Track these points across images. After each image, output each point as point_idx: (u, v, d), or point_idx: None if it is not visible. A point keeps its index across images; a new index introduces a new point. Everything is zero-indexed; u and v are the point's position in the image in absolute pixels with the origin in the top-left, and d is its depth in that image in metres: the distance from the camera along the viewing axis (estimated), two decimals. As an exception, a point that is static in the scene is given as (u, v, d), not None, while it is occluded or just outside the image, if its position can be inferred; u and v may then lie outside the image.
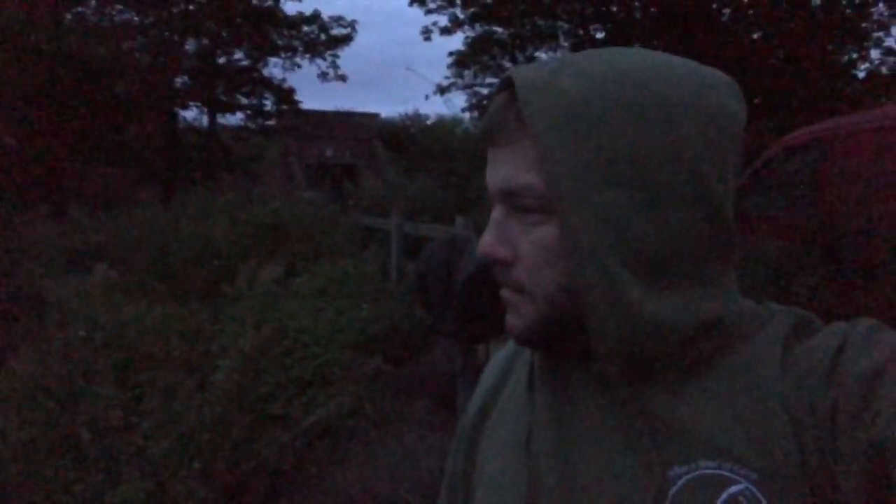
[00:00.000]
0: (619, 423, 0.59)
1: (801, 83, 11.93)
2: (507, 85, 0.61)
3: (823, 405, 0.52)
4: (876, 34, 13.57)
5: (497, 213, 0.62)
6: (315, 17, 19.28)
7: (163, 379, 3.48)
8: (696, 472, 0.54)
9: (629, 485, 0.56)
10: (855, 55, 13.96)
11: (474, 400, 0.79)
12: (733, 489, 0.53)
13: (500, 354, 0.81)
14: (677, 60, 0.60)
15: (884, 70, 13.81)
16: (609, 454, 0.58)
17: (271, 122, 20.37)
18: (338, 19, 19.57)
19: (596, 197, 0.55)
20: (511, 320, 0.64)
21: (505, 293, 0.64)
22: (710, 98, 0.57)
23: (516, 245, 0.61)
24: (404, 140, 23.45)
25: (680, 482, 0.54)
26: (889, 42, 13.77)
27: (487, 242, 0.62)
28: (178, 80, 18.34)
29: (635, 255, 0.56)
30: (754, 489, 0.52)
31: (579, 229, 0.55)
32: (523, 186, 0.58)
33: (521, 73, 0.59)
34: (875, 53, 13.90)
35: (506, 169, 0.60)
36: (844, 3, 12.99)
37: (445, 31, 16.84)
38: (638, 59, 0.58)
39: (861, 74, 14.03)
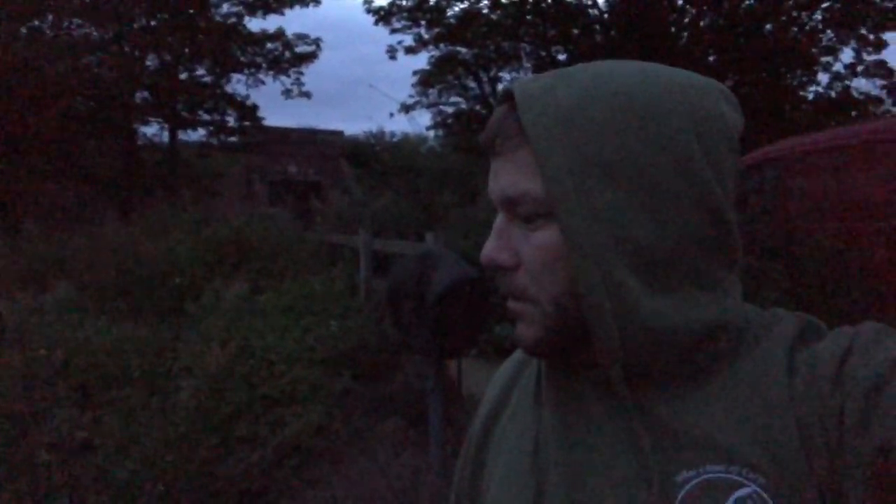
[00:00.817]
0: (625, 429, 0.59)
1: (753, 104, 12.32)
2: (507, 97, 0.62)
3: (830, 409, 0.52)
4: (825, 59, 14.11)
5: (499, 220, 0.63)
6: (279, 35, 19.17)
7: (124, 399, 3.39)
8: (704, 477, 0.54)
9: (636, 491, 0.56)
10: (805, 79, 14.49)
11: (479, 412, 0.79)
12: (741, 493, 0.53)
13: (505, 366, 0.81)
14: (669, 69, 0.61)
15: (832, 94, 14.35)
16: (615, 461, 0.59)
17: (234, 139, 20.12)
18: (302, 37, 19.47)
19: (594, 199, 0.56)
20: (520, 330, 0.64)
21: (511, 305, 0.64)
22: (703, 103, 0.59)
23: (518, 251, 0.61)
24: (369, 157, 23.44)
25: (687, 487, 0.54)
26: (837, 67, 14.27)
27: (490, 249, 0.62)
28: (139, 96, 18.02)
29: (636, 256, 0.57)
30: (762, 493, 0.52)
31: (579, 231, 0.56)
32: (523, 193, 0.59)
33: (519, 85, 0.61)
34: (824, 78, 14.45)
35: (506, 177, 0.61)
36: (795, 29, 13.50)
37: (410, 50, 16.96)
38: (631, 69, 0.60)
39: (810, 97, 14.58)
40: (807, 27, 13.54)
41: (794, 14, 13.42)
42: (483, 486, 0.74)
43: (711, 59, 13.92)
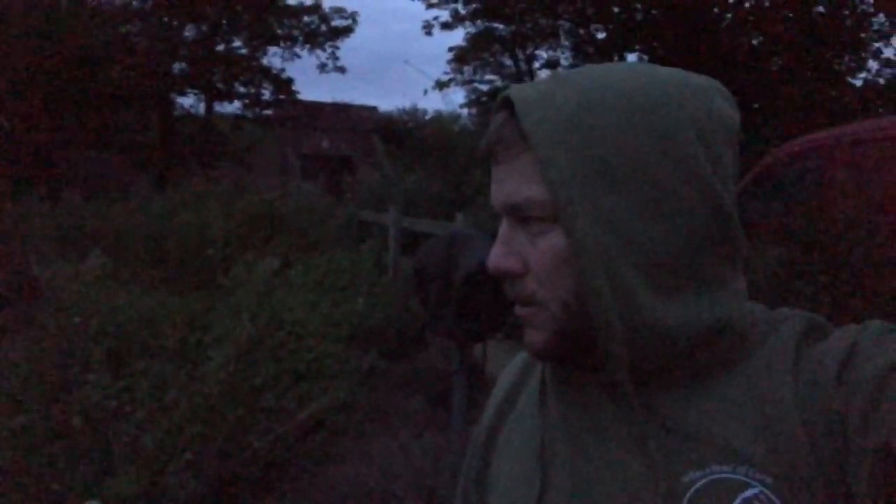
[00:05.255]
0: (632, 430, 0.59)
1: (798, 90, 11.96)
2: (505, 104, 0.63)
3: (834, 409, 0.52)
4: (875, 45, 13.60)
5: (504, 227, 0.64)
6: (316, 8, 19.12)
7: (155, 368, 3.46)
8: (710, 477, 0.55)
9: (642, 491, 0.57)
10: (853, 64, 13.99)
11: (489, 407, 0.80)
12: (748, 493, 0.53)
13: (516, 361, 0.82)
14: (666, 69, 0.62)
15: (881, 81, 13.84)
16: (622, 461, 0.59)
17: (269, 112, 20.24)
18: (339, 10, 19.41)
19: (600, 204, 0.56)
20: (530, 336, 0.64)
21: (520, 310, 0.64)
22: (702, 102, 0.59)
23: (525, 256, 0.62)
24: (402, 134, 23.40)
25: (694, 487, 0.55)
26: (888, 53, 13.75)
27: (497, 256, 0.63)
28: (176, 67, 18.19)
29: (643, 259, 0.57)
30: (769, 493, 0.52)
31: (585, 236, 0.56)
32: (526, 199, 0.60)
33: (517, 91, 0.61)
34: (873, 64, 13.93)
35: (509, 184, 0.61)
36: (846, 12, 13.02)
37: (446, 26, 16.79)
38: (628, 71, 0.60)
39: (858, 83, 14.07)
40: (857, 11, 13.05)
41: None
42: (490, 479, 0.75)
43: (755, 42, 13.52)
